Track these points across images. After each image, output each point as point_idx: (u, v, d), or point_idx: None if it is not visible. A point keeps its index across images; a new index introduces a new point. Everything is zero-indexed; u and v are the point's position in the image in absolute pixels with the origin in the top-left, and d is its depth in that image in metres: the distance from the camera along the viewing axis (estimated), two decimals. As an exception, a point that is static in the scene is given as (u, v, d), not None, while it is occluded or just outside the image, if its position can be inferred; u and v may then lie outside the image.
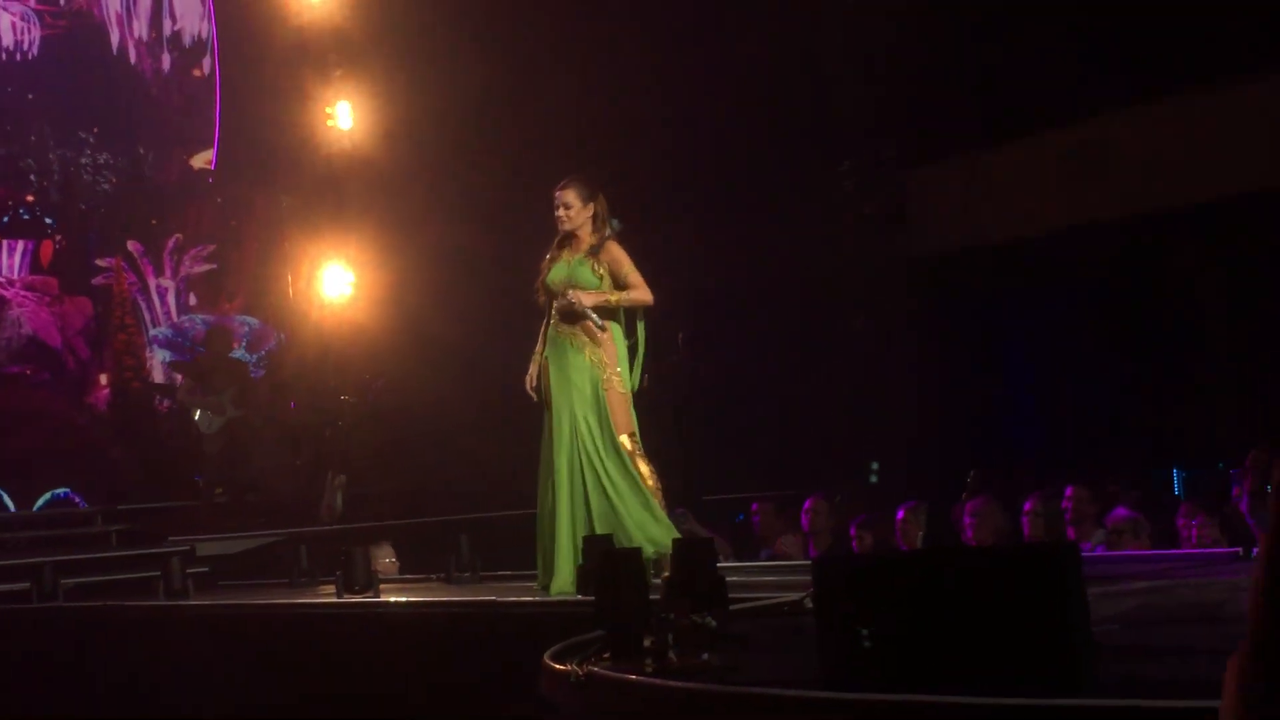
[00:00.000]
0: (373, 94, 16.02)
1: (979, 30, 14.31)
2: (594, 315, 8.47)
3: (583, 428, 8.39)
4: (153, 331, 18.50)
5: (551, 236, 8.79)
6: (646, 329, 8.73)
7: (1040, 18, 13.70)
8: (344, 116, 16.17)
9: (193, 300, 19.12)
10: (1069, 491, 10.19)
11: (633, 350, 8.69)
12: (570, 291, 8.53)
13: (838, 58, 15.19)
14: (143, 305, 18.85)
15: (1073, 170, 14.11)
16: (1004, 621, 3.98)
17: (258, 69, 17.75)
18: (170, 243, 19.13)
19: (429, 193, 15.30)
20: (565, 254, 8.64)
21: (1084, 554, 9.19)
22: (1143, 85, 13.46)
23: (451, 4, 15.38)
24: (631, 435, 8.49)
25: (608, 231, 8.64)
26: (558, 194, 8.61)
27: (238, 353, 17.36)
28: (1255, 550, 7.76)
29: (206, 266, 19.19)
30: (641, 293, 8.58)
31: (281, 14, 16.30)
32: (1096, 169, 13.87)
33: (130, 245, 18.84)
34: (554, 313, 8.63)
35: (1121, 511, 10.04)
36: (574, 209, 8.57)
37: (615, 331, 8.61)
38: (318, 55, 16.03)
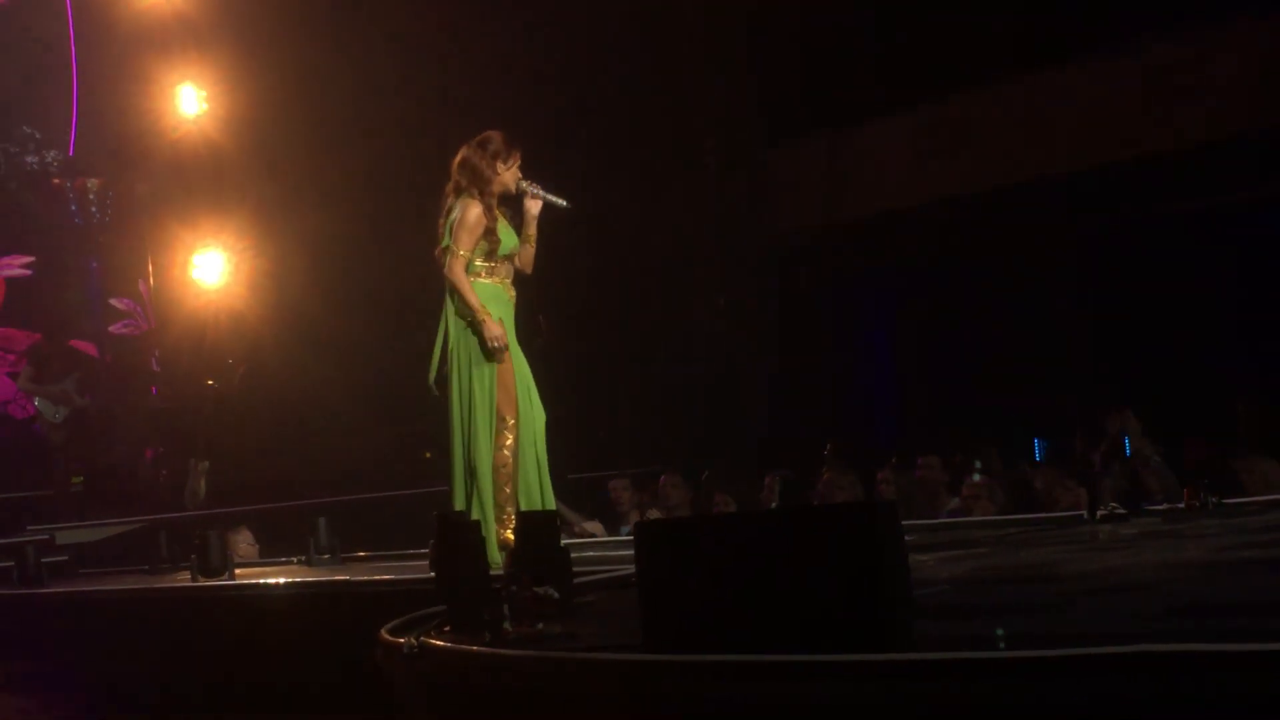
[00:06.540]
0: (221, 80, 15.85)
1: (842, 9, 14.43)
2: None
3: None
4: None
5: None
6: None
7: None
8: (189, 102, 15.98)
9: None
10: (920, 461, 10.34)
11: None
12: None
13: (701, 36, 15.25)
14: None
15: (927, 149, 14.30)
16: (819, 581, 4.00)
17: (104, 53, 17.23)
18: None
19: (295, 179, 15.16)
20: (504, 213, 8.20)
21: (938, 519, 9.43)
22: (997, 65, 13.66)
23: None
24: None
25: None
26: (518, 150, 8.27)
27: None
28: (1100, 511, 7.93)
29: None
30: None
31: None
32: (948, 147, 14.07)
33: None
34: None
35: (974, 478, 10.21)
36: None
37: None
38: (163, 39, 15.81)
